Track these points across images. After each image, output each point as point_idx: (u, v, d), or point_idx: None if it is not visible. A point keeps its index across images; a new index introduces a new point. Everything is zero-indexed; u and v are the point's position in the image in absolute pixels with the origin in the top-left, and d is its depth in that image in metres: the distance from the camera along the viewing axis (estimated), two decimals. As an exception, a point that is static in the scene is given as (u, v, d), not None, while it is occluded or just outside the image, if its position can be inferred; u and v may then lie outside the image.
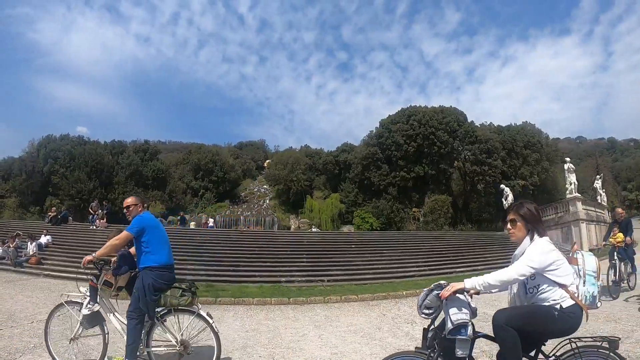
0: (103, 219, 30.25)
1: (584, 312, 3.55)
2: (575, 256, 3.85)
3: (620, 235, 12.96)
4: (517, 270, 3.56)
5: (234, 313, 11.14)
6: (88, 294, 5.98)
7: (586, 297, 3.63)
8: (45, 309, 10.59)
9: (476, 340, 3.67)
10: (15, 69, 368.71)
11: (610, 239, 13.22)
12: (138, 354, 5.49)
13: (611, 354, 3.52)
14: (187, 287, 5.79)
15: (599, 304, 3.70)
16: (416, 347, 3.90)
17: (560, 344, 3.65)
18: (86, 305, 5.87)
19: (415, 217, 51.89)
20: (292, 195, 60.95)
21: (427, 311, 3.73)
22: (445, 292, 3.54)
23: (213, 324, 5.59)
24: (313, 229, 44.37)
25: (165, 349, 5.71)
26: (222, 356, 5.60)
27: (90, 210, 32.04)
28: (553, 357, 3.65)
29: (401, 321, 9.53)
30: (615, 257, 12.51)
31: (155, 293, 5.54)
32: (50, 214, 31.40)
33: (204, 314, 5.64)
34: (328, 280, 16.78)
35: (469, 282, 3.61)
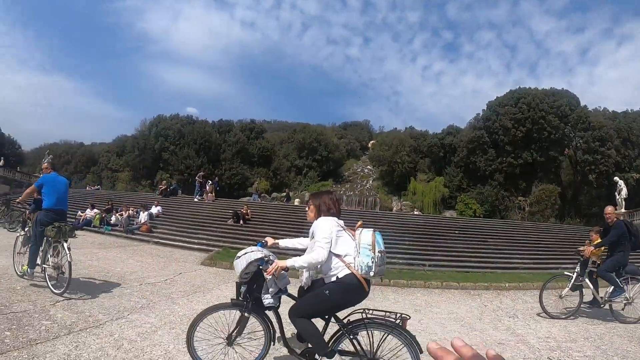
0: (212, 193, 31.08)
1: (360, 280, 4.07)
2: (357, 232, 4.30)
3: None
4: (321, 253, 4.11)
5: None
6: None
7: (361, 267, 4.04)
8: (153, 273, 11.19)
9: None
10: (127, 56, 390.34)
11: (583, 247, 10.10)
12: (37, 263, 8.40)
13: (396, 328, 4.05)
14: (60, 225, 8.17)
15: (371, 274, 4.05)
16: (232, 299, 4.63)
17: (352, 312, 4.20)
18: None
19: (520, 206, 49.08)
20: (395, 177, 59.96)
21: (246, 275, 4.42)
22: (270, 270, 4.23)
23: (67, 251, 7.98)
24: (415, 212, 43.40)
25: (52, 268, 8.11)
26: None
27: (197, 179, 32.95)
28: (344, 323, 4.22)
29: (502, 314, 9.05)
30: (576, 270, 9.25)
31: (40, 226, 8.20)
32: (161, 187, 32.88)
33: (65, 247, 8.03)
34: (429, 265, 16.26)
35: (290, 262, 4.25)
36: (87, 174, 75.83)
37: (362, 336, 4.23)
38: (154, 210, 23.53)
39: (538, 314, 9.07)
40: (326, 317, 4.40)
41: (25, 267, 8.46)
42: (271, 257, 4.47)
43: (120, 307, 7.29)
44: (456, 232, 23.40)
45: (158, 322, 6.63)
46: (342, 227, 4.42)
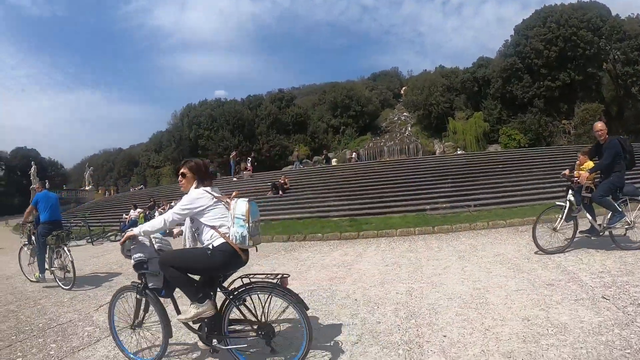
0: (248, 169, 31.36)
1: (236, 249, 4.15)
2: (232, 203, 4.35)
3: (590, 165, 9.04)
4: (165, 218, 4.34)
5: (376, 246, 10.93)
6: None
7: (236, 237, 4.11)
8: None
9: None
10: (146, 55, 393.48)
11: (570, 171, 9.05)
12: (46, 268, 9.89)
13: (276, 288, 4.07)
14: (57, 234, 9.65)
15: (247, 243, 4.12)
16: (132, 281, 4.89)
17: (235, 280, 4.31)
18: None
19: (565, 130, 47.14)
20: (433, 119, 58.43)
21: (127, 252, 4.67)
22: (122, 240, 4.57)
23: (68, 253, 9.36)
24: (458, 152, 42.59)
25: (58, 269, 9.54)
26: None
27: (232, 158, 33.24)
28: (229, 291, 4.29)
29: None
30: (569, 199, 8.41)
31: (42, 237, 9.74)
32: (198, 174, 33.25)
33: (66, 250, 9.48)
34: (475, 205, 15.90)
35: (137, 230, 4.50)
36: (131, 177, 77.64)
37: (249, 303, 4.29)
38: (195, 198, 23.59)
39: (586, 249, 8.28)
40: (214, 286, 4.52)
41: (37, 274, 10.05)
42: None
43: (165, 303, 7.33)
44: (499, 166, 22.82)
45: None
46: (216, 197, 4.47)
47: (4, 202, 62.65)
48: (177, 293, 4.62)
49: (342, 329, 5.21)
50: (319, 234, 13.28)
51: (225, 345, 4.31)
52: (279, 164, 51.83)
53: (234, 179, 30.73)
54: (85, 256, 14.39)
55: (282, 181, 22.79)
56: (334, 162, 40.35)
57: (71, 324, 6.57)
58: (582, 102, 47.21)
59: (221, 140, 57.27)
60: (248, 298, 4.26)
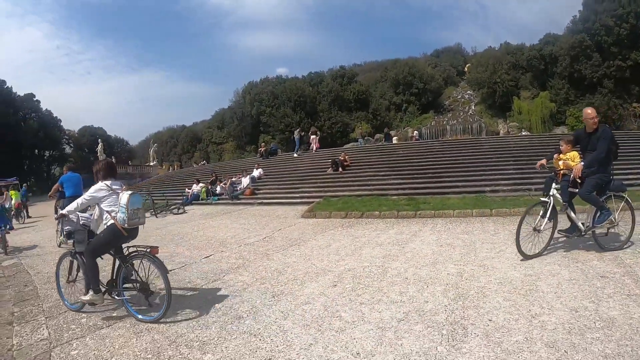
0: (316, 145, 31.73)
1: (119, 228, 5.52)
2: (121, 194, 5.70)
3: (574, 155, 7.78)
4: (78, 201, 5.80)
5: (432, 226, 10.82)
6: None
7: (119, 219, 5.49)
8: (254, 233, 11.63)
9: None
10: (209, 34, 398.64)
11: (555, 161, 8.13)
12: None
13: (146, 255, 5.55)
14: None
15: (126, 225, 5.51)
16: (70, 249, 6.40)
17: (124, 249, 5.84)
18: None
19: (636, 114, 44.33)
20: (497, 98, 56.82)
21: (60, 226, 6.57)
22: (57, 216, 6.13)
23: None
24: (523, 133, 41.40)
25: None
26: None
27: (295, 135, 33.66)
28: (122, 256, 5.78)
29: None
30: (552, 194, 7.33)
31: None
32: (260, 149, 33.76)
33: None
34: (535, 190, 15.46)
35: (64, 210, 5.80)
36: (194, 153, 79.43)
37: (138, 268, 5.66)
38: (256, 173, 24.16)
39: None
40: (113, 255, 5.89)
41: (61, 238, 10.23)
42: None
43: (217, 270, 7.71)
44: None
45: (250, 279, 6.92)
46: (113, 190, 5.84)
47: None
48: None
49: (390, 305, 5.26)
50: (376, 212, 13.21)
51: (119, 297, 5.79)
52: (340, 141, 51.81)
53: (295, 155, 30.91)
54: (149, 227, 14.85)
55: (342, 158, 22.79)
56: (395, 140, 39.95)
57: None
58: None
59: (283, 117, 57.84)
60: (136, 263, 5.70)
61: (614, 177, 7.53)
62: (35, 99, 74.51)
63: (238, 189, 22.12)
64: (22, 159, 68.64)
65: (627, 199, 7.42)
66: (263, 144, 39.57)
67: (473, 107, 63.87)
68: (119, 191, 5.79)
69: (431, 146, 26.59)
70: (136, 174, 44.50)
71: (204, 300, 6.06)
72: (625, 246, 7.22)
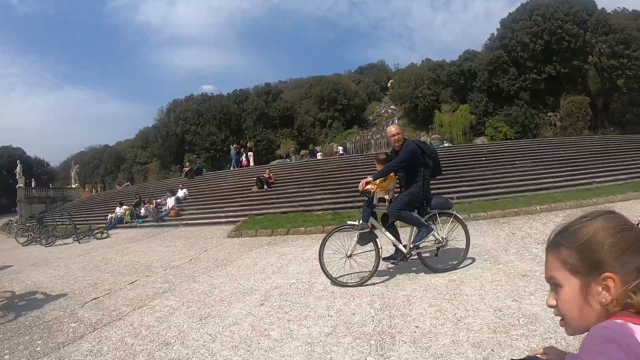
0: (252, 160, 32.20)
1: None
2: None
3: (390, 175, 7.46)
4: None
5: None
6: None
7: None
8: (179, 256, 11.57)
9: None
10: (135, 51, 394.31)
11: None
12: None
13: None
14: None
15: None
16: None
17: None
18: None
19: (551, 122, 47.59)
20: (420, 112, 59.14)
21: None
22: None
23: None
24: (445, 144, 42.72)
25: None
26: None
27: (233, 149, 34.05)
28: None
29: (531, 241, 8.52)
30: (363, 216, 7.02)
31: None
32: (185, 169, 33.44)
33: None
34: (457, 197, 16.00)
35: None
36: (118, 173, 77.65)
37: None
38: (180, 193, 23.90)
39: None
40: None
41: None
42: None
43: (142, 296, 7.62)
44: (482, 158, 22.85)
45: (176, 303, 6.89)
46: None
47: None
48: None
49: (318, 320, 5.37)
50: (302, 228, 13.37)
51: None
52: (266, 159, 51.96)
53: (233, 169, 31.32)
54: (72, 254, 14.51)
55: (266, 175, 22.84)
56: (319, 156, 40.40)
57: (57, 321, 6.71)
58: (568, 95, 47.75)
59: (208, 135, 57.68)
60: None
61: (435, 194, 7.33)
62: None
63: (163, 210, 21.83)
64: None
65: (455, 215, 7.07)
66: (188, 163, 39.26)
67: (396, 121, 65.37)
68: None
69: (354, 160, 27.05)
70: (58, 197, 42.90)
71: (130, 327, 5.99)
72: (461, 265, 7.03)
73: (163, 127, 66.32)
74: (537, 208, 12.47)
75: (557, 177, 17.84)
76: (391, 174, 7.14)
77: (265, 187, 21.96)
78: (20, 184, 40.58)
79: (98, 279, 9.62)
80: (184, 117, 63.33)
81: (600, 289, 1.16)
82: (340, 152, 44.71)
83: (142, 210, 22.29)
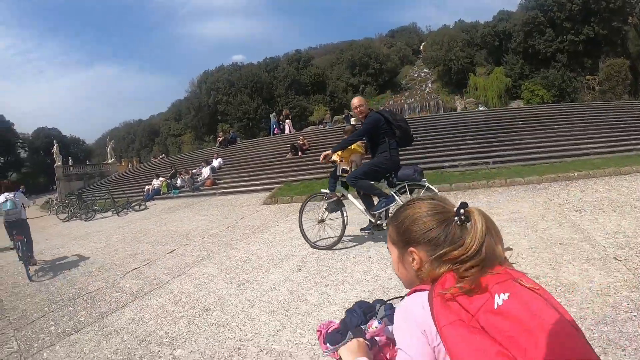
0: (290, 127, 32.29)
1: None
2: None
3: (356, 147, 8.26)
4: None
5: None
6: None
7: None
8: (216, 224, 11.62)
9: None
10: (162, 25, 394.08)
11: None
12: None
13: None
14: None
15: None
16: None
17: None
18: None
19: (589, 86, 45.29)
20: (453, 75, 57.70)
21: None
22: None
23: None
24: (480, 108, 41.80)
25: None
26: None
27: (272, 117, 34.11)
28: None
29: (569, 208, 8.09)
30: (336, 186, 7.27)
31: None
32: (219, 138, 33.45)
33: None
34: (494, 162, 15.68)
35: None
36: (152, 146, 78.61)
37: None
38: (215, 163, 24.10)
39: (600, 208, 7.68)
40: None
41: None
42: None
43: (182, 264, 7.72)
44: (520, 122, 22.19)
45: (215, 270, 6.96)
46: None
47: (30, 182, 63.89)
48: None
49: (355, 285, 5.35)
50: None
51: None
52: (299, 126, 51.90)
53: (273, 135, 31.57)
54: (111, 227, 14.77)
55: (300, 142, 22.77)
56: (353, 121, 40.07)
57: (99, 292, 6.86)
58: (607, 57, 45.44)
59: (240, 104, 57.57)
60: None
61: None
62: None
63: (198, 180, 22.01)
64: None
65: (428, 186, 6.83)
66: (221, 133, 39.26)
67: (430, 84, 64.43)
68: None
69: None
70: (95, 173, 43.61)
71: (170, 295, 6.10)
72: None
73: (195, 98, 66.71)
74: (576, 174, 11.88)
75: (597, 143, 17.05)
76: (355, 145, 7.71)
77: (300, 153, 21.90)
78: (58, 163, 41.17)
79: (138, 249, 9.80)
80: (215, 88, 63.54)
81: (410, 259, 1.49)
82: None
83: (178, 181, 22.51)
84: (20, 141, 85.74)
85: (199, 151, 41.06)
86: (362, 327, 1.72)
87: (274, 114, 36.25)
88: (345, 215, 7.09)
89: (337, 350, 1.70)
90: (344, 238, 7.23)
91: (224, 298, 5.58)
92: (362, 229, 7.16)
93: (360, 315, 1.76)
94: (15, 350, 5.17)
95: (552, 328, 1.13)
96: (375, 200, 6.85)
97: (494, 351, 1.14)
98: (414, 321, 1.32)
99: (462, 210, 1.50)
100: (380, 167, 6.73)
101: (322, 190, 7.48)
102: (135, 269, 7.91)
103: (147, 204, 20.15)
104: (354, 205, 7.16)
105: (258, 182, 19.09)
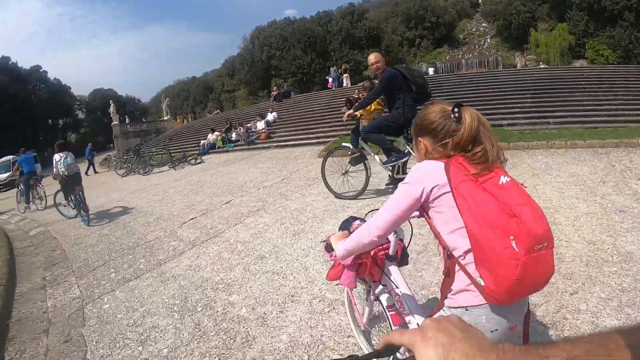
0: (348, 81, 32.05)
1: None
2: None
3: (375, 103, 8.13)
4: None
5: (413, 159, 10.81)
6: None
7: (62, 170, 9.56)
8: (271, 176, 11.74)
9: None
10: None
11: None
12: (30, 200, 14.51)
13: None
14: (35, 178, 14.82)
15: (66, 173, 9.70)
16: None
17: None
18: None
19: None
20: (513, 30, 54.36)
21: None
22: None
23: (42, 188, 14.54)
24: (541, 66, 40.16)
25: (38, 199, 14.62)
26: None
27: (332, 74, 33.96)
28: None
29: (631, 176, 7.61)
30: (352, 139, 7.60)
31: (25, 181, 14.81)
32: (273, 93, 33.44)
33: (40, 186, 14.69)
34: (553, 123, 15.11)
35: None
36: (207, 103, 79.34)
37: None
38: (270, 117, 24.07)
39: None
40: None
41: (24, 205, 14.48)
42: None
43: (237, 214, 7.81)
44: (583, 83, 21.22)
45: (270, 220, 7.00)
46: (63, 154, 9.91)
47: (89, 142, 66.29)
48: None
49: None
50: (394, 147, 13.19)
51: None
52: (353, 80, 51.41)
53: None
54: (168, 180, 15.05)
55: (355, 96, 22.43)
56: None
57: (158, 241, 7.01)
58: None
59: (293, 59, 57.19)
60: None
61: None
62: (42, 70, 76.88)
63: (253, 134, 22.14)
64: (37, 131, 70.90)
65: None
66: (275, 87, 39.23)
67: (489, 40, 61.95)
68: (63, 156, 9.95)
69: (447, 79, 26.15)
70: (151, 130, 44.48)
71: (227, 243, 6.17)
72: None
73: (248, 54, 66.53)
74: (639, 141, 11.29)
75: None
76: (375, 103, 7.96)
77: (355, 107, 21.67)
78: (115, 122, 42.03)
79: (194, 200, 9.96)
80: (268, 43, 63.03)
81: (421, 146, 2.01)
82: (430, 72, 43.23)
83: (233, 135, 22.70)
84: (78, 103, 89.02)
85: (253, 106, 41.20)
86: (348, 226, 2.54)
87: (334, 67, 35.92)
88: (368, 167, 7.46)
89: (328, 244, 2.51)
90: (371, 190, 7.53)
91: (279, 247, 5.61)
92: (386, 184, 7.43)
93: (350, 222, 2.59)
94: (78, 295, 5.36)
95: (536, 208, 1.65)
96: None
97: (496, 205, 1.61)
98: (424, 168, 1.86)
99: (456, 109, 1.89)
100: (393, 123, 6.80)
101: (344, 144, 7.78)
102: (192, 219, 8.04)
103: (203, 157, 20.45)
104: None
105: (312, 136, 19.06)
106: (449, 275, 1.80)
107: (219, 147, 22.59)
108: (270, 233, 6.29)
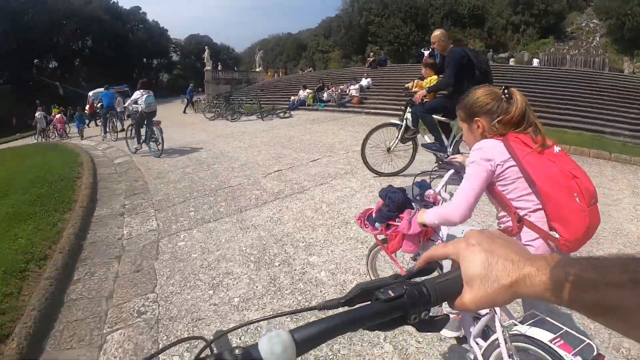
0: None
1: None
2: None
3: (433, 79, 7.35)
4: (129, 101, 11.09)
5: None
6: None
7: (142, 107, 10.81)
8: (361, 141, 11.28)
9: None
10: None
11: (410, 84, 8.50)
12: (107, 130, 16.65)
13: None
14: (116, 113, 17.25)
15: (146, 110, 10.86)
16: None
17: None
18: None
19: None
20: (626, 32, 50.51)
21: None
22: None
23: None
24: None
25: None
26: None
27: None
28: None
29: None
30: (406, 117, 7.10)
31: (104, 115, 17.11)
32: (369, 59, 33.00)
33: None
34: None
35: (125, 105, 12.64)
36: (299, 60, 79.54)
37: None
38: (364, 82, 23.66)
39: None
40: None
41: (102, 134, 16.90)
42: None
43: (324, 174, 7.61)
44: None
45: (358, 186, 6.77)
46: (143, 93, 10.82)
47: (181, 83, 67.99)
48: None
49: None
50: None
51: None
52: (448, 58, 50.12)
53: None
54: (255, 130, 15.05)
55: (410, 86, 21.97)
56: (511, 62, 38.10)
57: (240, 187, 6.92)
58: None
59: (392, 28, 56.33)
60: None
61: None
62: (141, 11, 79.34)
63: (346, 96, 21.87)
64: (132, 68, 74.16)
65: None
66: (372, 53, 38.68)
67: (597, 38, 58.36)
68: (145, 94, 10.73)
69: (553, 73, 24.92)
70: (242, 79, 45.03)
71: (311, 202, 6.00)
72: None
73: (346, 17, 65.92)
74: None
75: None
76: (435, 79, 7.30)
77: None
78: (208, 67, 42.67)
79: (281, 153, 9.83)
80: (367, 8, 61.96)
81: (476, 127, 2.20)
82: (534, 63, 41.35)
83: (325, 95, 22.49)
84: (173, 45, 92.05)
85: (347, 68, 40.90)
86: (419, 198, 2.56)
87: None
88: (416, 145, 7.31)
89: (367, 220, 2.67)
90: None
91: (366, 215, 5.31)
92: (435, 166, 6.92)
93: (404, 193, 2.53)
94: (154, 228, 5.38)
95: (584, 171, 2.00)
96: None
97: (559, 169, 1.96)
98: (488, 146, 2.07)
99: (506, 90, 2.13)
100: (450, 107, 5.99)
101: (392, 121, 7.54)
102: (278, 171, 7.92)
103: (292, 112, 20.33)
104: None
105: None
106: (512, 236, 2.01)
107: (308, 105, 22.42)
108: (357, 199, 6.05)
